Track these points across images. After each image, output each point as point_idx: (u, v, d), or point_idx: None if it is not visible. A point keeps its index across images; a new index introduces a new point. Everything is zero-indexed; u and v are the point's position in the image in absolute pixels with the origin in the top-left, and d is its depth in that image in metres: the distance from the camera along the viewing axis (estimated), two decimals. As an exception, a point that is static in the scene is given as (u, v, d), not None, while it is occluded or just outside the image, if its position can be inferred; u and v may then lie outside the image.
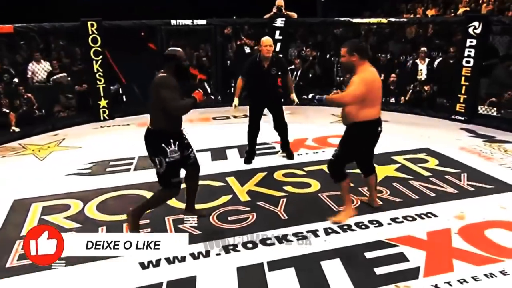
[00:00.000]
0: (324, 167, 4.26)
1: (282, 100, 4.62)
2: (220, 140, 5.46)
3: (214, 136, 5.74)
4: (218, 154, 4.90)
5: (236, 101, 4.41)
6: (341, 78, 8.16)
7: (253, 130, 4.56)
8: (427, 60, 7.35)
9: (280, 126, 4.62)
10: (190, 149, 3.08)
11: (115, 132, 6.07)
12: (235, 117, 6.96)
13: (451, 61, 6.93)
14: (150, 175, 4.21)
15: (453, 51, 6.91)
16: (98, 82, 6.65)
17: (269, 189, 3.81)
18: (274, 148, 5.11)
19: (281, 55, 5.24)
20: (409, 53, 8.00)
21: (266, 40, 4.27)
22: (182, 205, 3.48)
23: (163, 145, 2.81)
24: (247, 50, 8.47)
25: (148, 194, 3.73)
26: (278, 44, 7.73)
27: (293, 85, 4.67)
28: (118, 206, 3.54)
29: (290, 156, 4.68)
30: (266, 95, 4.43)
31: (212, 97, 7.81)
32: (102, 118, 6.76)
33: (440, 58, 7.34)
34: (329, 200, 3.58)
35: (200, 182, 3.94)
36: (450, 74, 6.76)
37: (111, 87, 7.13)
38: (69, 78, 6.91)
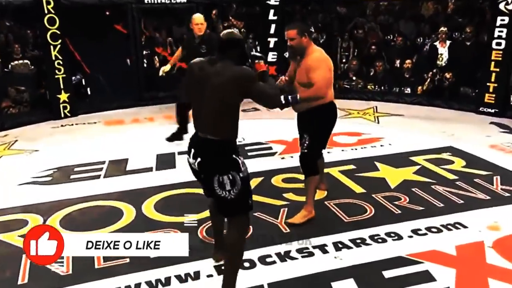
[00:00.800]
0: (331, 171, 4.34)
1: None
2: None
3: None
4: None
5: (167, 67, 5.18)
6: (346, 66, 8.21)
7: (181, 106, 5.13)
8: (448, 42, 7.42)
9: None
10: None
11: (79, 132, 6.02)
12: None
13: (469, 43, 6.98)
14: (123, 182, 4.19)
15: (474, 31, 6.94)
16: (57, 72, 6.58)
17: (267, 197, 3.81)
18: (270, 148, 5.12)
19: (214, 33, 5.47)
20: (426, 35, 8.08)
21: (197, 18, 4.96)
22: (164, 218, 3.46)
23: (233, 156, 2.40)
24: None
25: (122, 205, 3.71)
26: (273, 26, 7.75)
27: None
28: (86, 220, 3.51)
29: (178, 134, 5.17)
30: None
31: None
32: (62, 115, 6.70)
33: (462, 40, 7.42)
34: (337, 209, 3.60)
35: (184, 190, 3.98)
36: (476, 58, 6.84)
37: (73, 78, 7.07)
38: (32, 67, 6.83)
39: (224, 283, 2.49)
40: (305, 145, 3.40)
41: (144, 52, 7.71)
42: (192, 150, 2.51)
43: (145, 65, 7.71)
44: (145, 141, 5.54)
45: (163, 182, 4.17)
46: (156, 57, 8.06)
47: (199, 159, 2.45)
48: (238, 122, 2.46)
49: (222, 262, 2.73)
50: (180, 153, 5.00)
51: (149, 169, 4.55)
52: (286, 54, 4.38)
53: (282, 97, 2.92)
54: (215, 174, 2.38)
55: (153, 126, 6.30)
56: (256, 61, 2.73)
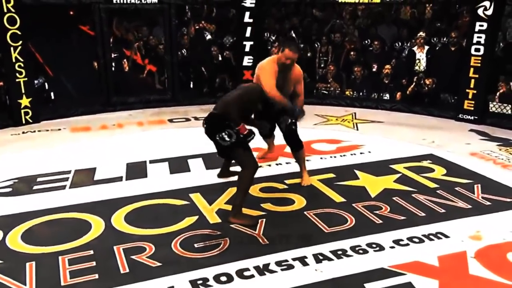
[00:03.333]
0: (310, 180, 4.36)
1: None
2: (180, 147, 5.42)
3: (172, 142, 5.69)
4: (178, 165, 4.87)
5: None
6: (324, 70, 8.32)
7: None
8: (426, 47, 7.60)
9: None
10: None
11: (42, 139, 5.89)
12: (196, 118, 6.93)
13: (453, 49, 7.21)
14: (91, 193, 4.12)
15: (454, 36, 7.17)
16: (17, 75, 6.43)
17: (244, 208, 3.77)
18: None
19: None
20: (404, 39, 8.26)
21: None
22: (135, 230, 3.43)
23: (226, 122, 3.60)
24: (208, 36, 8.47)
25: (89, 218, 3.64)
26: (249, 29, 7.78)
27: None
28: (51, 234, 3.43)
29: None
30: None
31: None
32: (24, 122, 6.54)
33: (441, 45, 7.62)
34: (317, 220, 3.62)
35: (158, 201, 3.95)
36: (455, 64, 7.03)
37: (35, 82, 6.92)
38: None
39: (235, 202, 3.61)
40: (290, 123, 4.21)
41: (113, 55, 7.62)
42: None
43: (113, 68, 7.62)
44: (114, 149, 5.46)
45: (134, 193, 4.12)
46: (125, 60, 7.98)
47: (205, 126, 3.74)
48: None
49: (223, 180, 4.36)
50: (151, 161, 4.96)
51: (119, 179, 4.49)
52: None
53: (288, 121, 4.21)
54: (216, 135, 3.63)
55: (123, 133, 6.22)
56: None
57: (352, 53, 8.17)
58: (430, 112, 7.12)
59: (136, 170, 4.71)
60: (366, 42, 8.55)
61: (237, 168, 4.15)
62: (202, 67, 8.16)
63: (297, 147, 4.33)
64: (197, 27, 8.43)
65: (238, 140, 3.60)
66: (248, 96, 3.80)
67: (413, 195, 4.07)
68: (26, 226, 3.56)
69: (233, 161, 4.26)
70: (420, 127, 6.48)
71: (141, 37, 8.25)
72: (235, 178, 4.36)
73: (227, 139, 3.60)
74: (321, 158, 5.07)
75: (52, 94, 7.34)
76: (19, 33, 6.33)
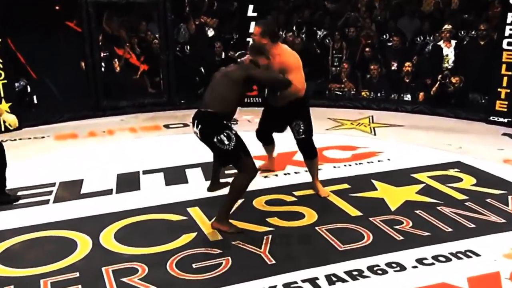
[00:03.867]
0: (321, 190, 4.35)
1: None
2: (177, 156, 5.42)
3: (168, 150, 5.71)
4: (175, 175, 4.88)
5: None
6: (337, 69, 8.32)
7: None
8: (453, 42, 7.58)
9: None
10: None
11: (23, 149, 5.93)
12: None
13: (482, 43, 7.18)
14: (77, 208, 4.13)
15: (484, 28, 7.15)
16: (-4, 77, 6.50)
17: (248, 223, 3.80)
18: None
19: None
20: (427, 33, 8.26)
21: None
22: (126, 250, 3.43)
23: (225, 122, 3.64)
24: (210, 32, 8.51)
25: (75, 236, 3.65)
26: (252, 24, 7.80)
27: None
28: (32, 255, 3.43)
29: None
30: None
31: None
32: (3, 129, 6.59)
33: (469, 39, 7.59)
34: (330, 236, 3.60)
35: (151, 216, 3.95)
36: (485, 60, 7.00)
37: (16, 84, 6.98)
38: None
39: (223, 208, 3.69)
40: (301, 130, 4.22)
41: (102, 54, 7.68)
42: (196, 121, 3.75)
43: (103, 69, 7.67)
44: (103, 158, 5.49)
45: (125, 207, 4.12)
46: (116, 60, 8.04)
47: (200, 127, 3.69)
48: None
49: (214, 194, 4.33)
50: (145, 172, 4.97)
51: (108, 192, 4.50)
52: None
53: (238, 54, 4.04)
54: (212, 138, 3.59)
55: (113, 141, 6.25)
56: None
57: (367, 49, 8.17)
58: (457, 114, 7.12)
59: (128, 182, 4.72)
60: (384, 36, 8.56)
61: (229, 179, 4.20)
62: (200, 66, 8.19)
63: (311, 156, 4.32)
64: (197, 22, 8.48)
65: (238, 143, 3.61)
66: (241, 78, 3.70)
67: (438, 207, 4.04)
68: (4, 245, 3.56)
69: (224, 170, 4.51)
70: (446, 131, 6.45)
71: (135, 34, 8.31)
72: (221, 191, 4.45)
73: (226, 142, 3.58)
74: (334, 166, 5.06)
75: (35, 98, 7.41)
76: (-3, 31, 6.40)
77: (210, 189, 4.42)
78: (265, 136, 4.68)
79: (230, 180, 4.19)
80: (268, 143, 4.77)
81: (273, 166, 4.93)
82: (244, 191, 3.72)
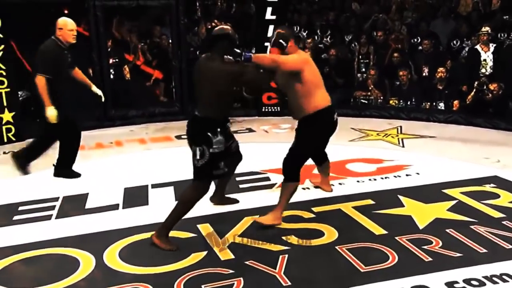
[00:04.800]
0: (344, 206, 4.37)
1: None
2: (188, 169, 5.40)
3: (179, 163, 5.72)
4: (185, 190, 4.91)
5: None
6: (365, 75, 8.32)
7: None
8: (492, 46, 7.52)
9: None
10: (233, 139, 4.13)
11: (26, 160, 6.02)
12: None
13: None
14: (81, 224, 4.19)
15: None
16: (-1, 85, 6.65)
17: (263, 241, 3.81)
18: (267, 179, 5.14)
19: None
20: (464, 37, 8.21)
21: (70, 23, 5.11)
22: (131, 269, 3.46)
23: (208, 133, 3.66)
24: None
25: (78, 254, 3.70)
26: (271, 28, 7.87)
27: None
28: (31, 274, 3.47)
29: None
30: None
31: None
32: (5, 140, 6.72)
33: (509, 42, 7.53)
34: (351, 256, 3.58)
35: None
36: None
37: (19, 93, 7.11)
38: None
39: (166, 221, 3.79)
40: (289, 149, 4.18)
41: (111, 61, 7.82)
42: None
43: (111, 76, 7.80)
44: (110, 171, 5.57)
45: (132, 223, 4.17)
46: (126, 66, 8.17)
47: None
48: (223, 104, 3.74)
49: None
50: (154, 186, 5.03)
51: (115, 207, 4.56)
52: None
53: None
54: (192, 145, 3.76)
55: (121, 152, 6.34)
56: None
57: (396, 54, 8.16)
58: (495, 125, 7.05)
59: (136, 197, 4.78)
60: (416, 40, 8.55)
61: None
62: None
63: (284, 176, 4.21)
64: (208, 26, 8.59)
65: (207, 164, 3.71)
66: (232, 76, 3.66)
67: (471, 226, 3.99)
68: (2, 264, 3.61)
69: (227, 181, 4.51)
70: (482, 143, 6.40)
71: (147, 40, 8.46)
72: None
73: (197, 157, 3.71)
74: (357, 181, 5.06)
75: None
76: (1, 35, 6.55)
77: (214, 199, 4.51)
78: (314, 157, 4.65)
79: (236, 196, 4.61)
80: (319, 162, 4.74)
81: (325, 186, 4.82)
82: (191, 207, 3.81)
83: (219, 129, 3.70)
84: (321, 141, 4.33)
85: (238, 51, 3.72)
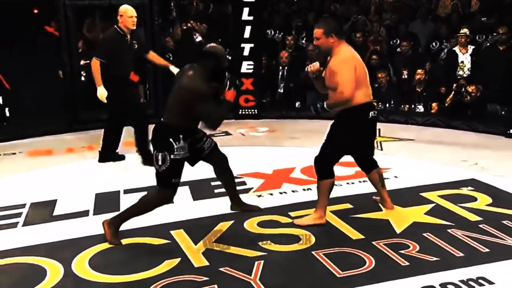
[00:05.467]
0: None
1: None
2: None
3: (153, 167, 5.72)
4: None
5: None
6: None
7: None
8: (470, 48, 7.64)
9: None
10: (203, 140, 4.11)
11: (-8, 166, 5.97)
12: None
13: (502, 48, 7.24)
14: (49, 232, 4.15)
15: (502, 32, 7.23)
16: (-34, 88, 6.56)
17: (238, 247, 3.81)
18: (244, 183, 5.15)
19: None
20: (444, 38, 8.33)
21: (130, 10, 5.54)
22: (101, 278, 3.43)
23: (170, 139, 3.72)
24: (198, 38, 8.61)
25: (45, 263, 3.66)
26: (248, 29, 7.89)
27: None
28: (-3, 283, 3.44)
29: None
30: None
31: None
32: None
33: (488, 44, 7.65)
34: (328, 261, 3.60)
35: (131, 240, 3.96)
36: (505, 67, 7.06)
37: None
38: None
39: (122, 213, 3.98)
40: (320, 147, 4.12)
41: (82, 62, 7.75)
42: None
43: (83, 78, 7.73)
44: (81, 176, 5.52)
45: (102, 230, 4.07)
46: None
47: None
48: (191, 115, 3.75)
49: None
50: (126, 191, 4.99)
51: (85, 213, 4.53)
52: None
53: (308, 106, 4.07)
54: (154, 150, 3.82)
55: (93, 157, 6.27)
56: (229, 87, 3.83)
57: (374, 56, 8.24)
58: (474, 127, 7.15)
59: (107, 202, 4.74)
60: (395, 42, 8.65)
61: (254, 201, 4.52)
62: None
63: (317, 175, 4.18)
64: (184, 27, 8.58)
65: (169, 171, 3.77)
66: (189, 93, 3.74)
67: (449, 230, 4.03)
68: (-34, 273, 3.57)
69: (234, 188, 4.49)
70: (461, 145, 6.49)
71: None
72: (228, 208, 4.46)
73: (159, 162, 3.76)
74: (335, 185, 5.06)
75: (7, 110, 7.45)
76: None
77: (232, 207, 4.49)
78: (358, 162, 4.47)
79: (257, 204, 4.56)
80: (366, 170, 4.45)
81: (385, 201, 4.44)
82: (149, 209, 3.92)
83: (181, 136, 3.76)
84: (355, 140, 4.11)
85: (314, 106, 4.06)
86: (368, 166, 4.40)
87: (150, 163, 4.95)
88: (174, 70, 5.50)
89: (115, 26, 5.54)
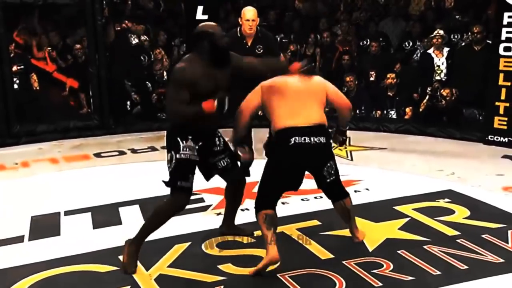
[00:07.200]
0: (286, 229, 4.42)
1: None
2: (109, 191, 5.43)
3: (99, 185, 5.72)
4: (106, 215, 4.89)
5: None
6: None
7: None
8: (445, 50, 7.79)
9: None
10: (220, 156, 4.01)
11: None
12: (134, 151, 6.95)
13: (478, 48, 7.43)
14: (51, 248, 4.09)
15: (477, 31, 7.39)
16: None
17: (195, 272, 3.81)
18: (201, 200, 5.14)
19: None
20: (416, 38, 8.49)
21: (247, 12, 5.55)
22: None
23: (178, 138, 3.74)
24: (134, 40, 8.57)
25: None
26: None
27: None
28: None
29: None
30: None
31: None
32: None
33: (468, 44, 7.76)
34: (293, 284, 3.62)
35: (74, 268, 3.91)
36: (481, 69, 7.24)
37: None
38: None
39: (138, 234, 3.87)
40: None
41: (15, 68, 7.62)
42: None
43: (16, 86, 7.61)
44: (14, 197, 5.45)
45: (40, 258, 4.07)
46: (34, 74, 7.99)
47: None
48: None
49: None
50: (67, 212, 4.93)
51: (19, 239, 4.44)
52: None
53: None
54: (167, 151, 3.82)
55: (29, 175, 6.19)
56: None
57: (346, 57, 8.35)
58: (450, 134, 7.32)
59: (45, 226, 4.68)
60: (365, 42, 8.77)
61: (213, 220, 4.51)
62: (125, 80, 8.31)
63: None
64: (118, 28, 8.54)
65: (175, 171, 3.75)
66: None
67: (425, 246, 4.10)
68: None
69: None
70: (436, 154, 6.62)
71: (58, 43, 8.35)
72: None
73: (167, 163, 3.80)
74: (302, 199, 5.13)
75: None
76: None
77: (223, 229, 4.41)
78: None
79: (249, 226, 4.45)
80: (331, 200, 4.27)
81: (354, 236, 4.26)
82: (164, 220, 3.84)
83: (190, 137, 3.76)
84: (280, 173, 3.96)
85: None
86: (332, 194, 4.19)
87: None
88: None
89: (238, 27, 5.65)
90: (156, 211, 3.87)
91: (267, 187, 3.97)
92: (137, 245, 3.84)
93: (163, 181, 3.81)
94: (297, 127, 3.79)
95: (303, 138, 3.78)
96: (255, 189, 5.02)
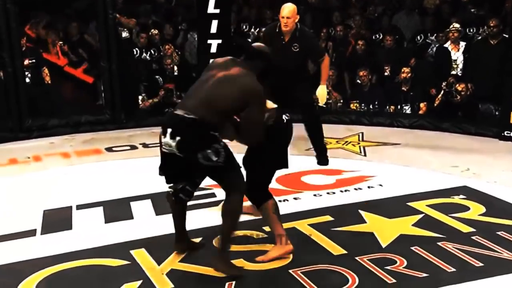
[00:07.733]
0: (299, 224, 4.42)
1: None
2: (121, 186, 5.46)
3: (110, 179, 5.75)
4: (117, 210, 4.90)
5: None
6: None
7: None
8: (462, 44, 7.74)
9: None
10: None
11: None
12: (146, 145, 6.97)
13: (494, 42, 7.38)
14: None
15: (494, 25, 7.33)
16: None
17: (207, 267, 3.79)
18: (213, 195, 5.16)
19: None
20: (429, 32, 8.45)
21: (283, 8, 5.46)
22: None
23: (211, 132, 3.53)
24: (124, 33, 8.56)
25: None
26: (214, 23, 7.88)
27: (327, 75, 5.86)
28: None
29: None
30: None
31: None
32: None
33: (484, 38, 7.71)
34: (306, 280, 3.63)
35: (85, 262, 3.93)
36: (498, 63, 7.20)
37: None
38: None
39: (222, 245, 3.70)
40: None
41: (27, 62, 7.66)
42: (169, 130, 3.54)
43: (27, 79, 7.65)
44: (26, 191, 5.47)
45: (52, 252, 4.10)
46: (45, 68, 8.02)
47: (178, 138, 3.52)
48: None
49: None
50: (80, 206, 4.96)
51: (31, 233, 4.47)
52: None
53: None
54: (198, 151, 3.49)
55: (40, 169, 6.23)
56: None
57: (360, 42, 8.32)
58: (466, 130, 7.29)
59: (57, 220, 4.70)
60: (378, 36, 8.74)
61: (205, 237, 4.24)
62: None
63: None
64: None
65: (228, 157, 3.57)
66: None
67: (439, 243, 4.10)
68: None
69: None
70: (451, 150, 6.59)
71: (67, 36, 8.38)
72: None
73: (214, 158, 3.51)
74: (314, 195, 5.13)
75: None
76: None
77: (178, 247, 4.09)
78: None
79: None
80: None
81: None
82: (240, 215, 3.70)
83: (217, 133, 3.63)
84: None
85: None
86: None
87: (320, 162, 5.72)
88: (321, 94, 5.75)
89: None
90: (228, 213, 3.65)
91: (263, 174, 4.01)
92: (226, 257, 3.70)
93: (225, 171, 3.59)
94: None
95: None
96: (270, 184, 5.07)
